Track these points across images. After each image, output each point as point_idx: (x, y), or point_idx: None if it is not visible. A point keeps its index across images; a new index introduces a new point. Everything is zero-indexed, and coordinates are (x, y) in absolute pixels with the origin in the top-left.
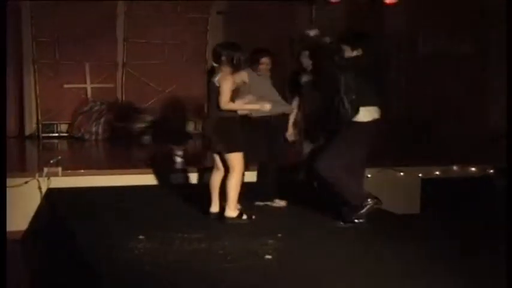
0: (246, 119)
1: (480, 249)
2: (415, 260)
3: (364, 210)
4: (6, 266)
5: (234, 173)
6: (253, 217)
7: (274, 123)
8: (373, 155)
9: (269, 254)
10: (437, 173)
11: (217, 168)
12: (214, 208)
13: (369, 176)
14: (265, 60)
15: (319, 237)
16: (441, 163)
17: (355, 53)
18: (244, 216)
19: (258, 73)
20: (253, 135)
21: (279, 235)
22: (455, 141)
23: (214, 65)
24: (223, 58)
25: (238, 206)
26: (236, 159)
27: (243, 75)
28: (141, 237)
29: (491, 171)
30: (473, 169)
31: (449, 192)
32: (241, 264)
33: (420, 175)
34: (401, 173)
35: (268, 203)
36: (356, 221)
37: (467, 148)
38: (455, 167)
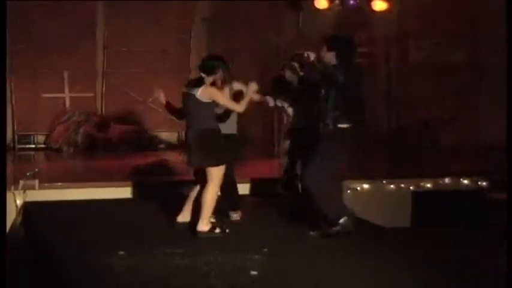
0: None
1: (474, 261)
2: (407, 275)
3: (338, 228)
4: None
5: (212, 185)
6: (227, 231)
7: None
8: (363, 167)
9: (254, 270)
10: (428, 185)
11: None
12: (182, 218)
13: (358, 188)
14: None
15: (305, 251)
16: (432, 175)
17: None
18: (217, 230)
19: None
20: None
21: (265, 250)
22: (447, 152)
23: (203, 75)
24: (218, 72)
25: (212, 220)
26: (216, 172)
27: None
28: (121, 253)
29: (484, 183)
30: (465, 181)
31: (441, 205)
32: (227, 280)
33: (411, 188)
34: (392, 186)
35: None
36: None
37: (459, 159)
38: (447, 180)
